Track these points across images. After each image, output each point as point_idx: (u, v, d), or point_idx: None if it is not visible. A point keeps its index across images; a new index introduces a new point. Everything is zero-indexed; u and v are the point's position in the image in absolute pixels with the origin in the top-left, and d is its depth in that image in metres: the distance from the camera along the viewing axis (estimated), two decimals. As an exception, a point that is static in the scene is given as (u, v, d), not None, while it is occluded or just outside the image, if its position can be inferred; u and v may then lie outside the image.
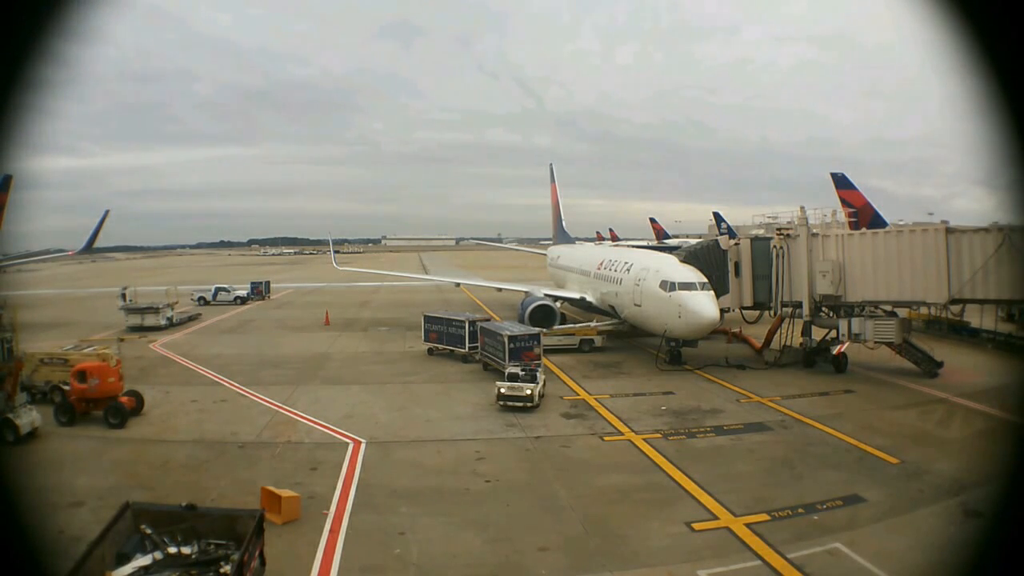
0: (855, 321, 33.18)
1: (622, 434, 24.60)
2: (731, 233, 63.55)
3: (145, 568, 12.69)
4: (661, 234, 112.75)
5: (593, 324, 42.93)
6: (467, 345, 37.88)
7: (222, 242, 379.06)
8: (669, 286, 34.30)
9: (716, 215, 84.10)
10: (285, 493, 17.59)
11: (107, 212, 67.26)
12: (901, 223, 48.05)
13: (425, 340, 40.96)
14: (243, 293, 73.78)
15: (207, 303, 70.20)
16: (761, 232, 50.17)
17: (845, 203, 45.95)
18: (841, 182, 47.89)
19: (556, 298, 48.46)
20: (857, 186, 47.99)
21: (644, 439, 23.80)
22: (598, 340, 41.05)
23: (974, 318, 42.29)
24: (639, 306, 37.41)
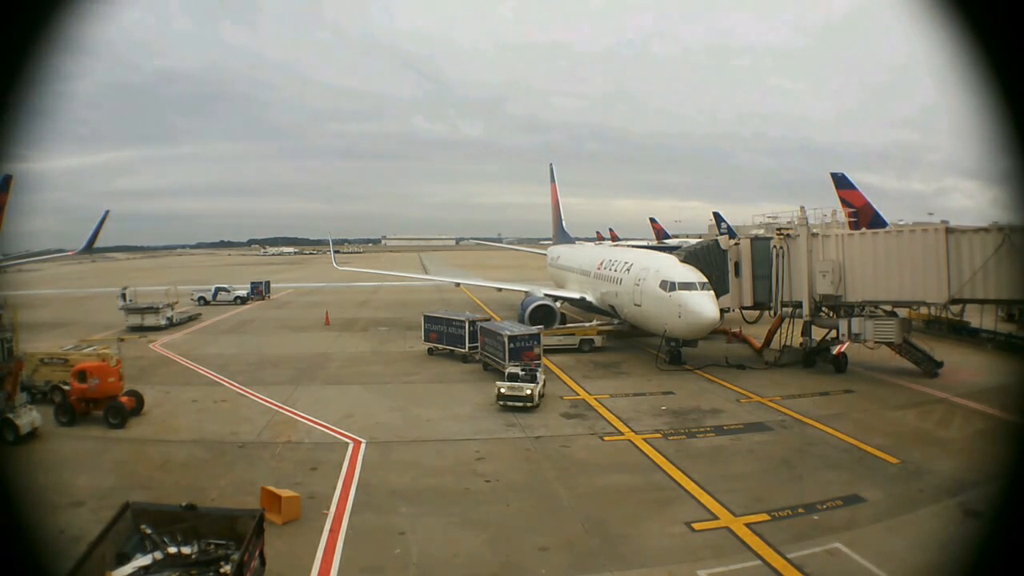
0: (855, 321, 33.18)
1: (622, 434, 24.60)
2: (731, 233, 63.54)
3: (145, 568, 12.69)
4: (661, 234, 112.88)
5: (593, 324, 42.96)
6: (467, 345, 37.88)
7: (222, 242, 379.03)
8: (669, 286, 34.31)
9: (716, 215, 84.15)
10: (285, 493, 17.59)
11: (107, 212, 67.11)
12: (901, 223, 48.08)
13: (425, 340, 40.96)
14: (243, 293, 73.81)
15: (207, 303, 70.21)
16: (761, 232, 50.16)
17: (845, 203, 45.97)
18: (841, 182, 47.90)
19: (556, 298, 48.47)
20: (856, 185, 48.04)
21: (644, 439, 23.80)
22: (598, 340, 41.06)
23: (974, 318, 42.30)
24: (639, 306, 37.40)
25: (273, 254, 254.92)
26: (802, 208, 36.50)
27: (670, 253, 41.98)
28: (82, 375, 26.40)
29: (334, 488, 19.43)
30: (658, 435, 24.25)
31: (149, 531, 13.48)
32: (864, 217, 44.84)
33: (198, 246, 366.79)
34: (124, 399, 26.85)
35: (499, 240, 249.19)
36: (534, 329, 35.73)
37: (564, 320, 44.90)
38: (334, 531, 16.62)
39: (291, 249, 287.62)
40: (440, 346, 40.04)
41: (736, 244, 38.37)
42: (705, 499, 18.43)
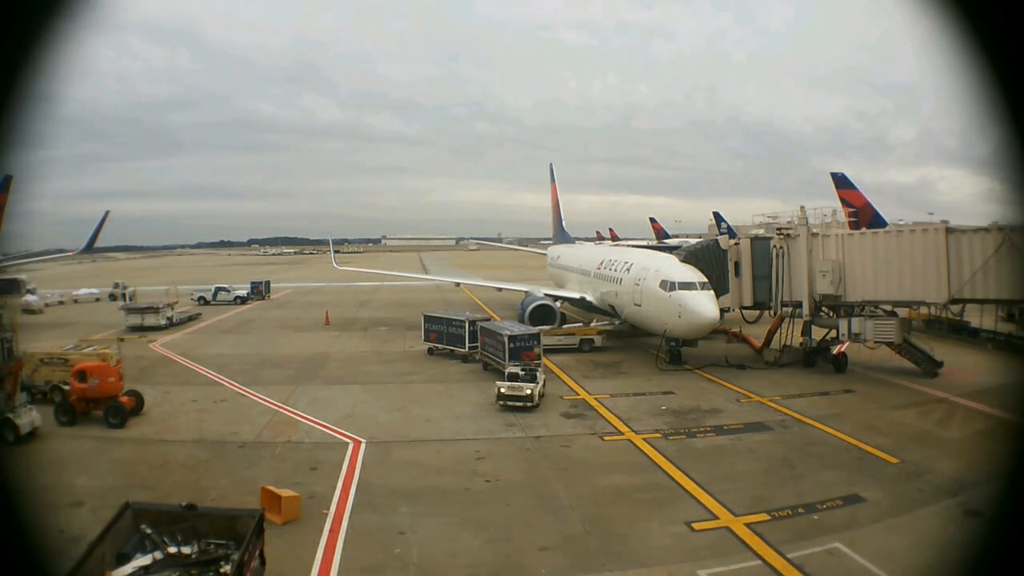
0: (855, 321, 33.17)
1: (622, 434, 24.59)
2: (731, 233, 63.51)
3: (145, 568, 12.68)
4: (661, 234, 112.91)
5: (593, 324, 42.95)
6: (467, 345, 37.88)
7: (222, 242, 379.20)
8: (669, 286, 34.32)
9: (716, 215, 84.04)
10: (285, 493, 17.58)
11: (107, 212, 67.29)
12: (901, 223, 48.05)
13: (425, 340, 40.95)
14: (243, 293, 73.83)
15: (207, 303, 70.17)
16: (761, 232, 50.16)
17: (845, 203, 45.94)
18: (841, 182, 47.87)
19: (556, 298, 48.49)
20: (856, 185, 48.02)
21: (644, 439, 23.79)
22: (598, 340, 41.05)
23: (974, 318, 42.29)
24: (639, 306, 37.41)
25: (273, 254, 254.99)
26: (802, 208, 36.54)
27: (670, 253, 42.01)
28: (82, 375, 26.39)
29: (334, 488, 19.43)
30: (658, 435, 24.24)
31: (149, 531, 13.47)
32: (864, 217, 44.79)
33: (198, 246, 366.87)
34: (124, 399, 26.84)
35: (499, 240, 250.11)
36: (534, 329, 35.75)
37: (564, 320, 44.94)
38: (334, 531, 16.62)
39: (291, 249, 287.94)
40: (440, 346, 40.03)
41: (736, 244, 38.38)
42: (705, 499, 18.42)
